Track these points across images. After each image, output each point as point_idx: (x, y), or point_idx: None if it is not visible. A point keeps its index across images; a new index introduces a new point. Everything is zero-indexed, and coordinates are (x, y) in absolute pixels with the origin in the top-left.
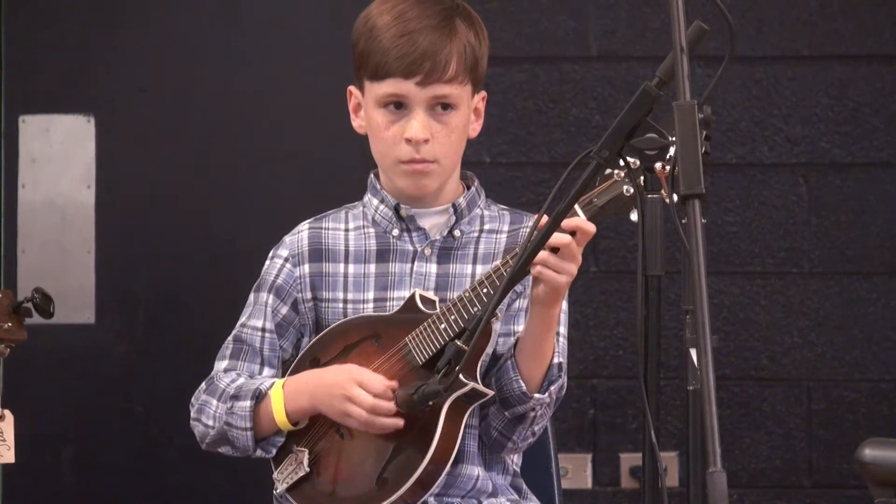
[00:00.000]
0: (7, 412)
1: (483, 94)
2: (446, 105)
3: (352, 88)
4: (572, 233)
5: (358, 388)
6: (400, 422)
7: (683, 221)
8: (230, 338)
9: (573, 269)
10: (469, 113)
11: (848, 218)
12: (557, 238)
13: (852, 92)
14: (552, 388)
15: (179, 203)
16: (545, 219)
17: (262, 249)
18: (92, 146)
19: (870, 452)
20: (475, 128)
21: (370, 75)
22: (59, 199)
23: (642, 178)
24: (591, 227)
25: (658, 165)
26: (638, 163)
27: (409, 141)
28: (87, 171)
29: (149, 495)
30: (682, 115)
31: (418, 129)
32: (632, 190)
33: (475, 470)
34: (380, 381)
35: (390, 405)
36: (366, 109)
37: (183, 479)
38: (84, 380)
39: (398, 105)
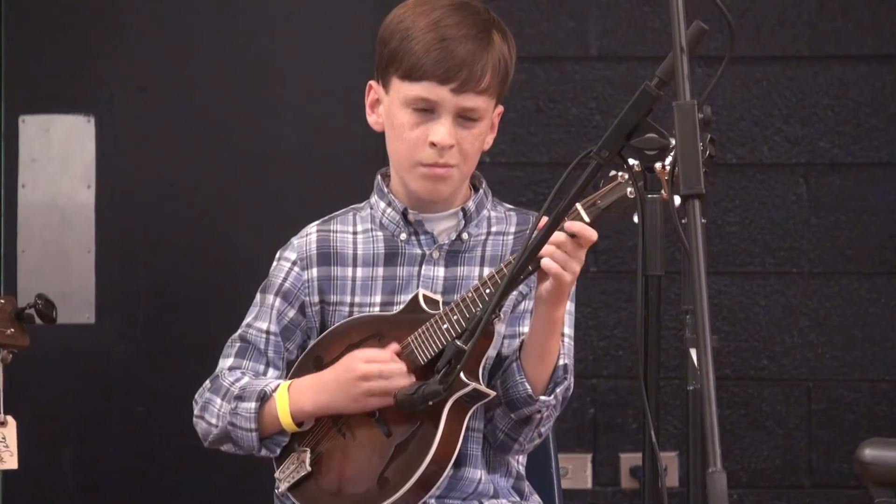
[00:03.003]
0: (9, 418)
1: (500, 108)
2: (469, 117)
3: (373, 83)
4: (573, 235)
5: (366, 363)
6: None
7: (683, 221)
8: (236, 336)
9: (576, 267)
10: (489, 126)
11: (848, 218)
12: (557, 237)
13: (852, 92)
14: (558, 389)
15: (179, 203)
16: (544, 220)
17: (262, 249)
18: (92, 146)
19: (870, 452)
20: (488, 140)
21: (402, 75)
22: (59, 199)
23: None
24: (593, 235)
25: (658, 165)
26: (639, 166)
27: (433, 145)
28: (87, 171)
29: (149, 495)
30: (682, 115)
31: (445, 134)
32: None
33: (478, 473)
34: (385, 350)
35: (401, 365)
36: (388, 107)
37: (183, 478)
38: (84, 380)
39: (424, 108)
